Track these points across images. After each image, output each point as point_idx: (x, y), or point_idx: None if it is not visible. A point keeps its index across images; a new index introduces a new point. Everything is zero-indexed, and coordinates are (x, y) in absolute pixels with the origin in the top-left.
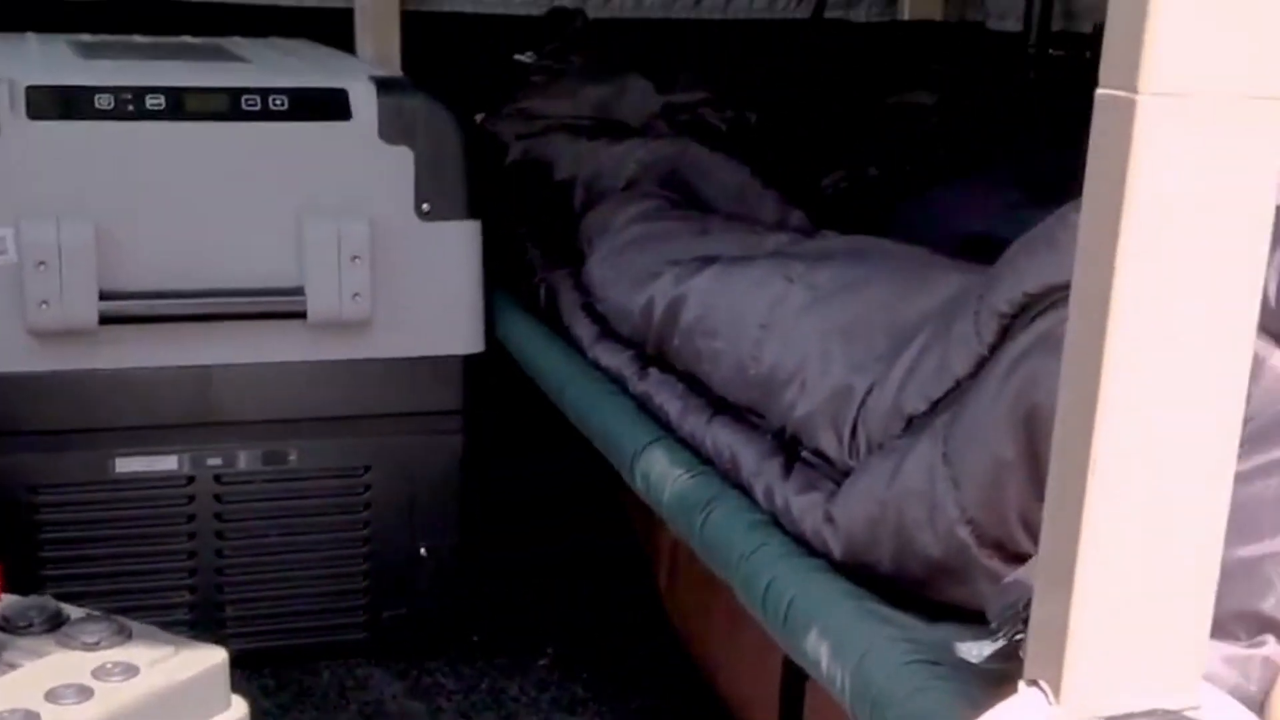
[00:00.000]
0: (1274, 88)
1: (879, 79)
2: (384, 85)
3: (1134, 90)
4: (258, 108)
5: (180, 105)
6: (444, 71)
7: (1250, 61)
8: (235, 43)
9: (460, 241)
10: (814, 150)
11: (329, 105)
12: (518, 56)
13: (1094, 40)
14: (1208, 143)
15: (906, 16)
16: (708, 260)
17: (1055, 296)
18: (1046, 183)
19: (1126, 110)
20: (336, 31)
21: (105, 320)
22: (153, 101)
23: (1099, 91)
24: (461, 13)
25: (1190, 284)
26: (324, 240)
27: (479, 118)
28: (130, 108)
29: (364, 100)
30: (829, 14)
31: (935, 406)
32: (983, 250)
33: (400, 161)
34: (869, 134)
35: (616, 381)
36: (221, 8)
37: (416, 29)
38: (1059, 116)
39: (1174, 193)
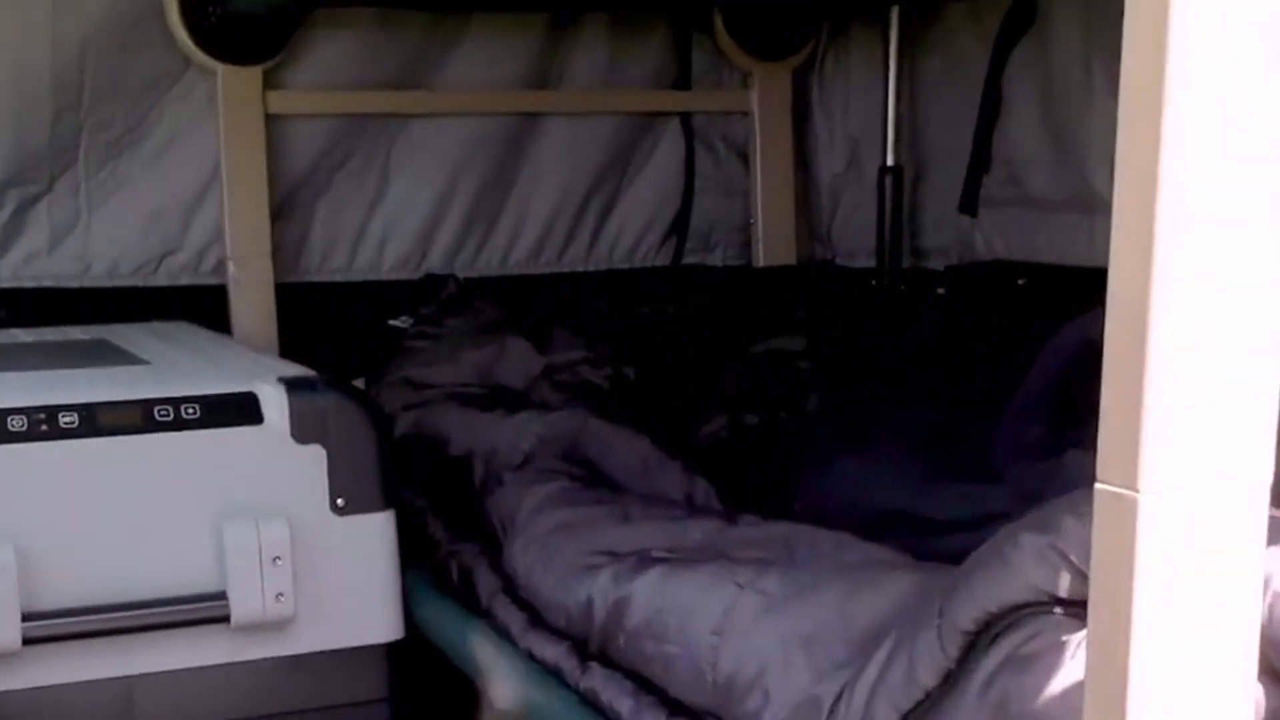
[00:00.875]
0: (1255, 479)
1: (743, 323)
2: (293, 386)
3: (1134, 489)
4: (170, 418)
5: (93, 421)
6: (320, 340)
7: (1233, 456)
8: (119, 335)
9: (376, 532)
10: (690, 399)
11: (240, 411)
12: (393, 322)
13: (946, 278)
14: (1202, 531)
15: (762, 261)
16: (645, 559)
17: (1015, 616)
18: (945, 453)
19: (1129, 507)
20: (210, 308)
21: (28, 641)
22: (66, 420)
23: (1098, 486)
24: (333, 282)
25: (1196, 650)
26: (244, 544)
27: (359, 383)
28: (44, 428)
29: (274, 403)
30: (686, 260)
31: (906, 718)
32: (899, 525)
33: (314, 460)
34: (742, 381)
35: (553, 674)
36: (95, 292)
37: (290, 300)
38: (928, 357)
39: (1176, 576)
